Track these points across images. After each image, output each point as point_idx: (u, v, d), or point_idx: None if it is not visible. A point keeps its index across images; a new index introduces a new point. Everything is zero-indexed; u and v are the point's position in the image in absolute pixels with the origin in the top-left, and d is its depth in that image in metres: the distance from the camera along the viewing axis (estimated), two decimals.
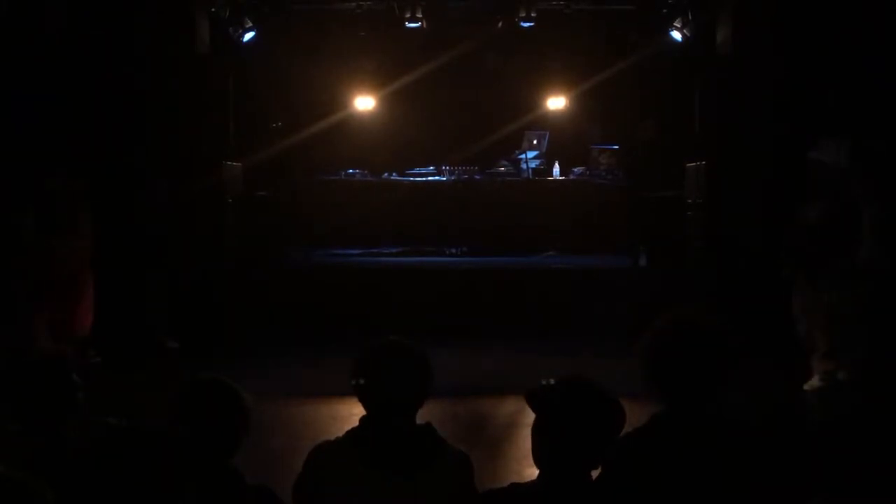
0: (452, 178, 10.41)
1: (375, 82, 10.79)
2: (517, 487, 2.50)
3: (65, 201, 5.89)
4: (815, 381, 6.28)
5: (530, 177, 10.61)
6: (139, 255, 8.03)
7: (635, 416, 2.57)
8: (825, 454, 4.99)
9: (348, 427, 2.69)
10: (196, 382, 2.72)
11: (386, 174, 10.46)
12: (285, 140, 10.18)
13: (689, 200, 8.99)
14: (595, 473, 2.48)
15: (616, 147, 10.53)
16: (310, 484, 2.61)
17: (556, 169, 10.65)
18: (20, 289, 5.68)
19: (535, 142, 10.81)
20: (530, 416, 2.57)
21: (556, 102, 11.01)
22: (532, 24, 9.61)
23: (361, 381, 2.67)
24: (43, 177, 6.86)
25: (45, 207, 5.86)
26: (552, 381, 2.50)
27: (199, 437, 2.52)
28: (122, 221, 7.93)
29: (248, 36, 9.41)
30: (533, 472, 2.54)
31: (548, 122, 10.99)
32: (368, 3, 9.55)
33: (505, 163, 10.87)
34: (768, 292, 7.29)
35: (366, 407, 2.66)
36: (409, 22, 9.59)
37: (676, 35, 9.37)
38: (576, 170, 10.72)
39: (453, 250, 9.87)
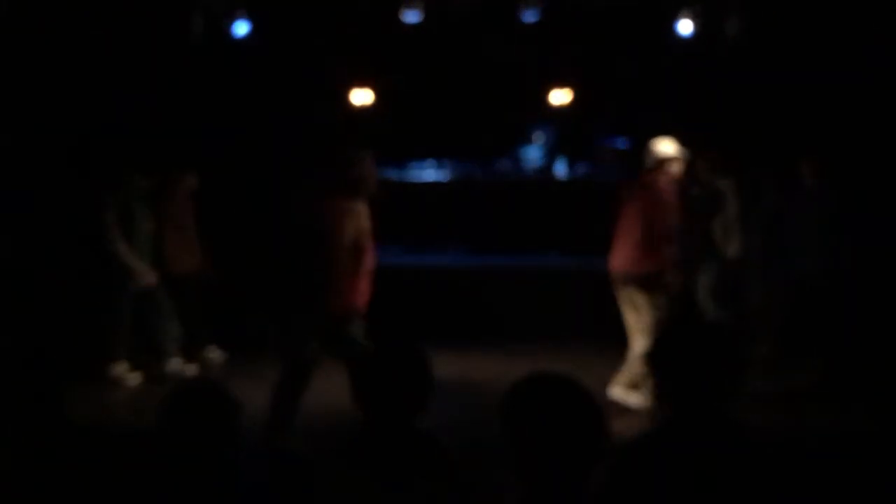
0: (453, 174, 10.35)
1: (374, 75, 10.69)
2: None
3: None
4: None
5: (533, 173, 10.51)
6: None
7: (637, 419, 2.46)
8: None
9: (346, 432, 2.60)
10: (186, 385, 2.65)
11: (385, 171, 10.39)
12: (282, 137, 10.08)
13: None
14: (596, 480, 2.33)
15: (624, 143, 10.43)
16: (306, 490, 2.55)
17: (562, 165, 10.56)
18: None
19: (539, 137, 10.73)
20: None
21: (561, 97, 10.89)
22: (537, 16, 9.52)
23: (359, 385, 2.58)
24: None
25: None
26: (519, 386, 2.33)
27: (190, 440, 2.46)
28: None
29: (243, 29, 9.33)
30: None
31: (552, 118, 10.87)
32: None
33: (507, 160, 10.79)
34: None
35: (364, 412, 2.55)
36: (410, 13, 9.49)
37: (685, 28, 9.29)
38: (581, 165, 10.61)
39: (453, 250, 9.76)
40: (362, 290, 5.55)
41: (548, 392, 2.31)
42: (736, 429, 2.46)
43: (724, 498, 2.35)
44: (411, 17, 9.39)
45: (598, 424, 2.26)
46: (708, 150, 7.39)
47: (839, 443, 5.62)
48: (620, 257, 6.31)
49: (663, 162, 6.19)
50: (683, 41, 9.38)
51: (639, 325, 6.21)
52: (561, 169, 10.52)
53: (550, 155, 10.70)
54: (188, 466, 2.42)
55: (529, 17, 9.51)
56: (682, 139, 6.79)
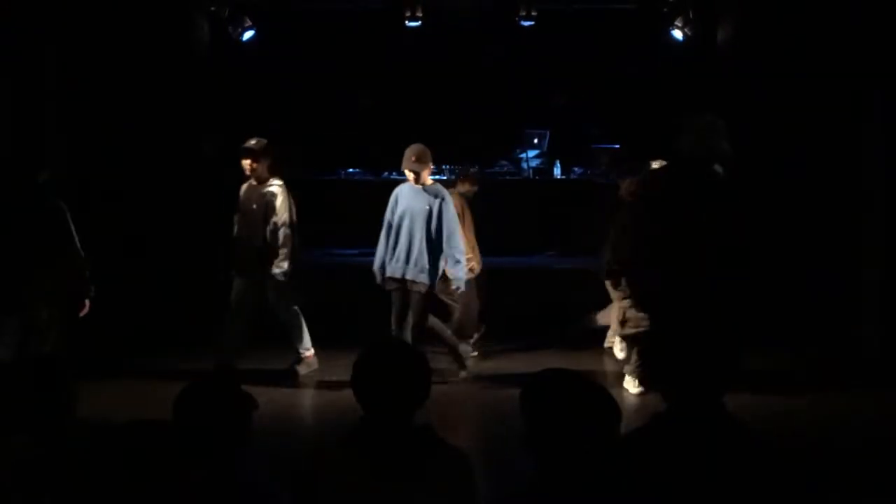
0: (453, 177, 10.35)
1: (375, 81, 10.75)
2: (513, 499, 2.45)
3: None
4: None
5: (531, 176, 10.58)
6: (135, 254, 8.03)
7: (639, 415, 2.52)
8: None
9: (347, 428, 2.65)
10: (197, 380, 2.70)
11: (385, 173, 10.41)
12: (284, 139, 10.15)
13: None
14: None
15: (617, 146, 10.51)
16: (308, 485, 2.57)
17: (557, 168, 10.63)
18: None
19: (535, 141, 10.79)
20: None
21: (557, 102, 10.98)
22: (532, 23, 9.62)
23: (359, 382, 2.63)
24: None
25: None
26: (540, 378, 2.47)
27: (200, 435, 2.50)
28: (118, 220, 7.93)
29: (248, 35, 9.40)
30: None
31: (548, 122, 10.96)
32: (369, 2, 9.56)
33: (505, 162, 10.85)
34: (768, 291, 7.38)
35: (364, 408, 2.61)
36: (410, 21, 9.58)
37: (677, 34, 9.37)
38: (576, 169, 10.70)
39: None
40: None
41: (566, 383, 2.42)
42: (732, 420, 2.48)
43: (723, 489, 2.38)
44: (412, 22, 9.51)
45: (612, 414, 2.37)
46: None
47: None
48: None
49: None
50: (677, 46, 9.46)
51: None
52: (557, 171, 10.60)
53: (548, 157, 10.76)
54: (201, 460, 2.44)
55: (527, 22, 9.61)
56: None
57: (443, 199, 6.62)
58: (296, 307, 6.87)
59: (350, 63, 10.52)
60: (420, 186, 6.63)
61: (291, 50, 10.19)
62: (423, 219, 6.57)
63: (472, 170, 8.23)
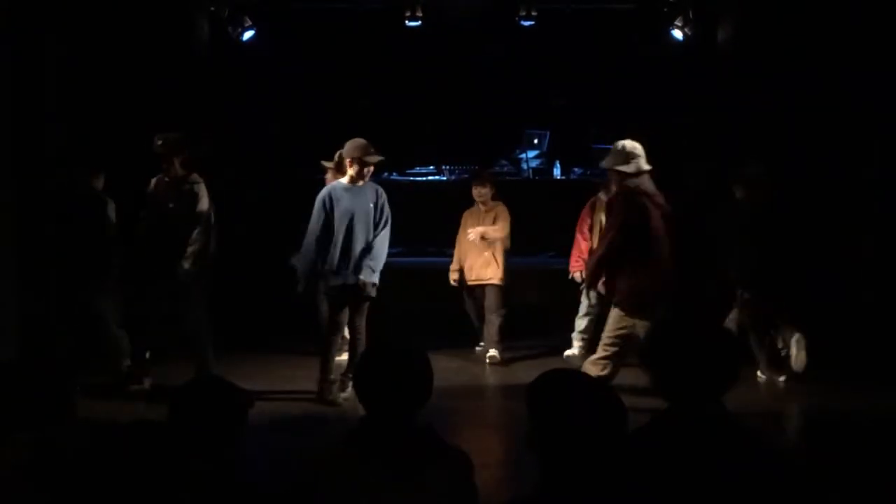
0: (453, 177, 10.36)
1: (375, 81, 10.76)
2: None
3: None
4: None
5: (531, 176, 10.58)
6: (136, 254, 8.02)
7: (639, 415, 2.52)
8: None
9: (348, 428, 2.66)
10: (193, 381, 2.73)
11: (385, 174, 10.42)
12: (284, 140, 10.16)
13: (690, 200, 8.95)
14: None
15: None
16: (309, 485, 2.58)
17: (557, 168, 10.63)
18: None
19: (535, 141, 10.80)
20: None
21: (557, 102, 10.99)
22: (532, 23, 9.63)
23: (361, 382, 2.65)
24: None
25: None
26: (547, 377, 2.47)
27: (196, 435, 2.51)
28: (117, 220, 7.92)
29: (248, 35, 9.41)
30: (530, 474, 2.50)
31: (548, 122, 10.97)
32: (369, 2, 9.58)
33: (505, 162, 10.86)
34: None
35: (365, 407, 2.63)
36: (409, 21, 9.59)
37: (677, 34, 9.38)
38: (576, 169, 10.70)
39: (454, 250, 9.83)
40: None
41: (572, 384, 2.42)
42: (732, 420, 2.48)
43: (723, 489, 2.38)
44: (412, 22, 9.52)
45: (618, 415, 2.36)
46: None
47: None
48: None
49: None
50: (677, 46, 9.46)
51: None
52: (557, 172, 10.60)
53: (548, 157, 10.77)
54: (200, 459, 2.45)
55: (527, 22, 9.62)
56: (675, 142, 6.92)
57: (384, 197, 6.29)
58: (204, 315, 6.48)
59: (350, 63, 10.51)
60: (359, 185, 6.21)
61: (291, 50, 10.19)
62: (370, 218, 6.19)
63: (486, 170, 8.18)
